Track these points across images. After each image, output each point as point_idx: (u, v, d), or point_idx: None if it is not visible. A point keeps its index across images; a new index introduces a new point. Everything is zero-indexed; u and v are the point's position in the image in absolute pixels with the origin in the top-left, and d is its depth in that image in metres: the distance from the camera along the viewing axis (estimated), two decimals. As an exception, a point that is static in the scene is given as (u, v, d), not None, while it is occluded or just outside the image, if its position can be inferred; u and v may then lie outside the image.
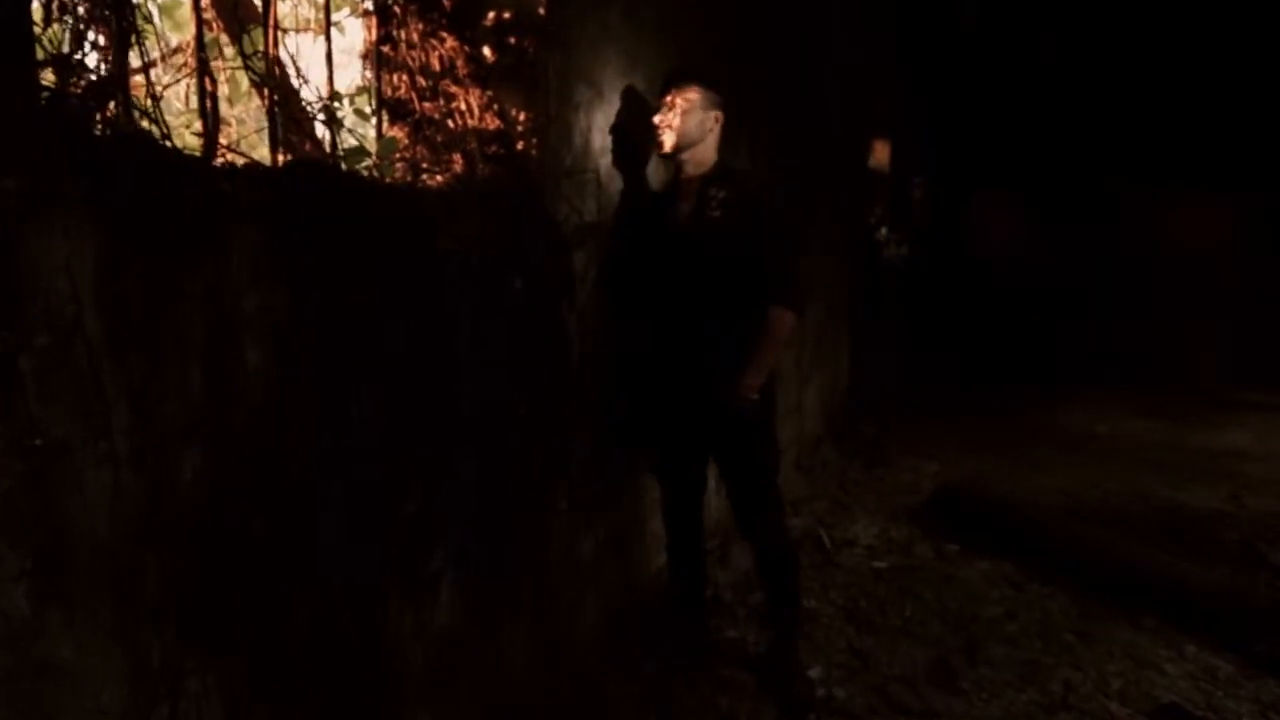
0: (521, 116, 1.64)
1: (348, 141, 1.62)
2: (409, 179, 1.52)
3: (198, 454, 1.01)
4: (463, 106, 1.56)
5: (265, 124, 1.40)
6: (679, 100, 1.73)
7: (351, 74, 1.84)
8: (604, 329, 1.88)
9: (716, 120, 1.77)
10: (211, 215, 1.00)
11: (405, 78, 1.57)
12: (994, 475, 3.66)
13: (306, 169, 1.14)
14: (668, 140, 1.73)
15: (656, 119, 1.76)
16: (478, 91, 1.58)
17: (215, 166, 1.03)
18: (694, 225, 1.72)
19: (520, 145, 1.63)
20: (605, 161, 1.90)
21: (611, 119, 1.92)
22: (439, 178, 1.47)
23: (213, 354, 1.01)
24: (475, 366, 1.39)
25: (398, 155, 1.59)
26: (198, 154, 1.24)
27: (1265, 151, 5.71)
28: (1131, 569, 2.41)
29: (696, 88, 1.74)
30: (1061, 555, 2.58)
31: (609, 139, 1.91)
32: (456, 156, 1.54)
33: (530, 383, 1.58)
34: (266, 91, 1.34)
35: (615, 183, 1.94)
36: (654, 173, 2.15)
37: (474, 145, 1.56)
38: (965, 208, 7.26)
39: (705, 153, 1.77)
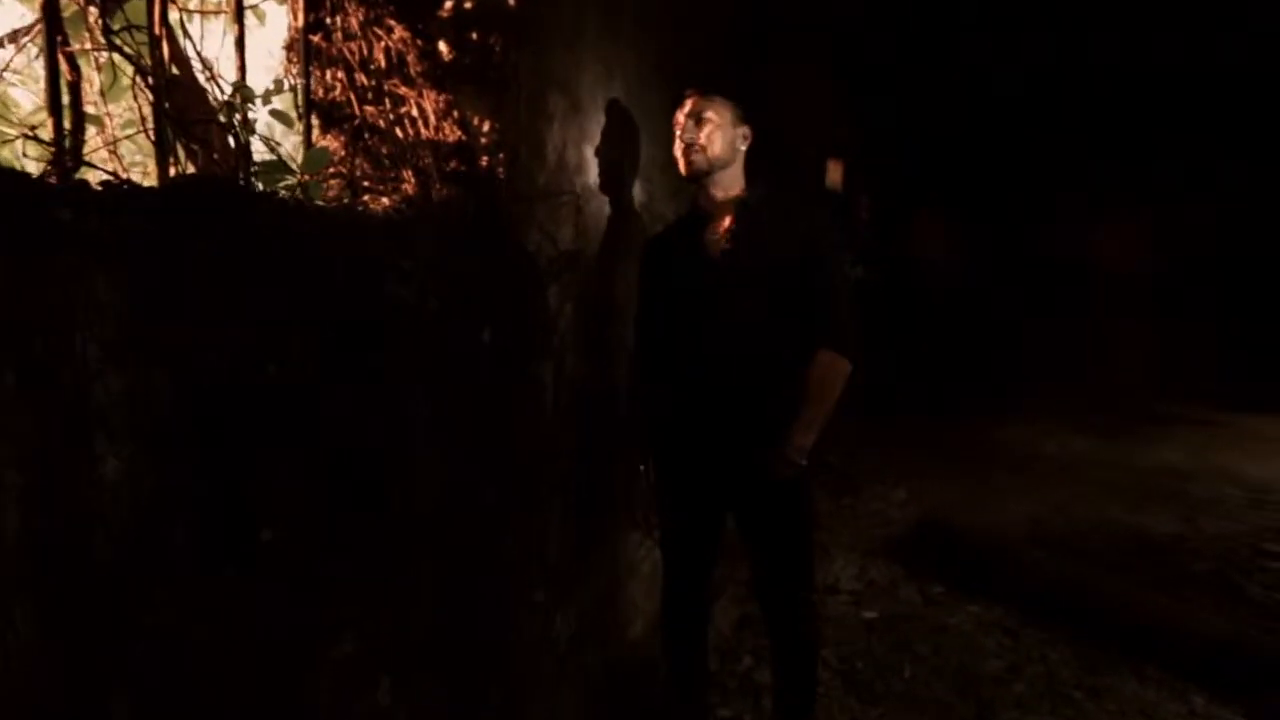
0: (486, 127, 1.32)
1: (280, 153, 1.27)
2: (346, 201, 1.18)
3: (20, 613, 0.65)
4: (414, 112, 1.24)
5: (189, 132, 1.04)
6: (708, 115, 1.45)
7: (276, 69, 1.47)
8: (583, 376, 1.57)
9: (745, 138, 1.49)
10: (40, 258, 0.65)
11: (341, 74, 1.23)
12: (963, 504, 3.52)
13: (197, 189, 0.79)
14: (699, 162, 1.45)
15: (683, 138, 1.47)
16: (434, 94, 1.26)
17: (49, 186, 0.68)
18: (729, 259, 1.43)
19: (485, 161, 1.31)
20: (581, 181, 1.60)
21: (588, 133, 1.62)
22: (385, 200, 1.15)
23: (42, 466, 0.66)
24: (432, 447, 1.06)
25: (330, 170, 1.25)
26: (42, 168, 0.88)
27: (1187, 170, 5.93)
28: (1130, 614, 2.27)
29: (724, 100, 1.47)
30: (1055, 599, 2.43)
31: (586, 156, 1.62)
32: (407, 173, 1.21)
33: (501, 456, 1.26)
34: (150, 85, 0.98)
35: (592, 206, 1.65)
36: (638, 194, 1.87)
37: (429, 160, 1.23)
38: (908, 226, 7.29)
39: (735, 175, 1.49)
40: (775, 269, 1.40)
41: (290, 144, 1.27)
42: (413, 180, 1.20)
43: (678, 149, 1.48)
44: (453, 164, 1.27)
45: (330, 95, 1.27)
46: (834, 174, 4.99)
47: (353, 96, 1.22)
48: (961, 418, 5.50)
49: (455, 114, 1.29)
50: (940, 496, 3.64)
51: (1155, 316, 6.41)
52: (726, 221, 1.45)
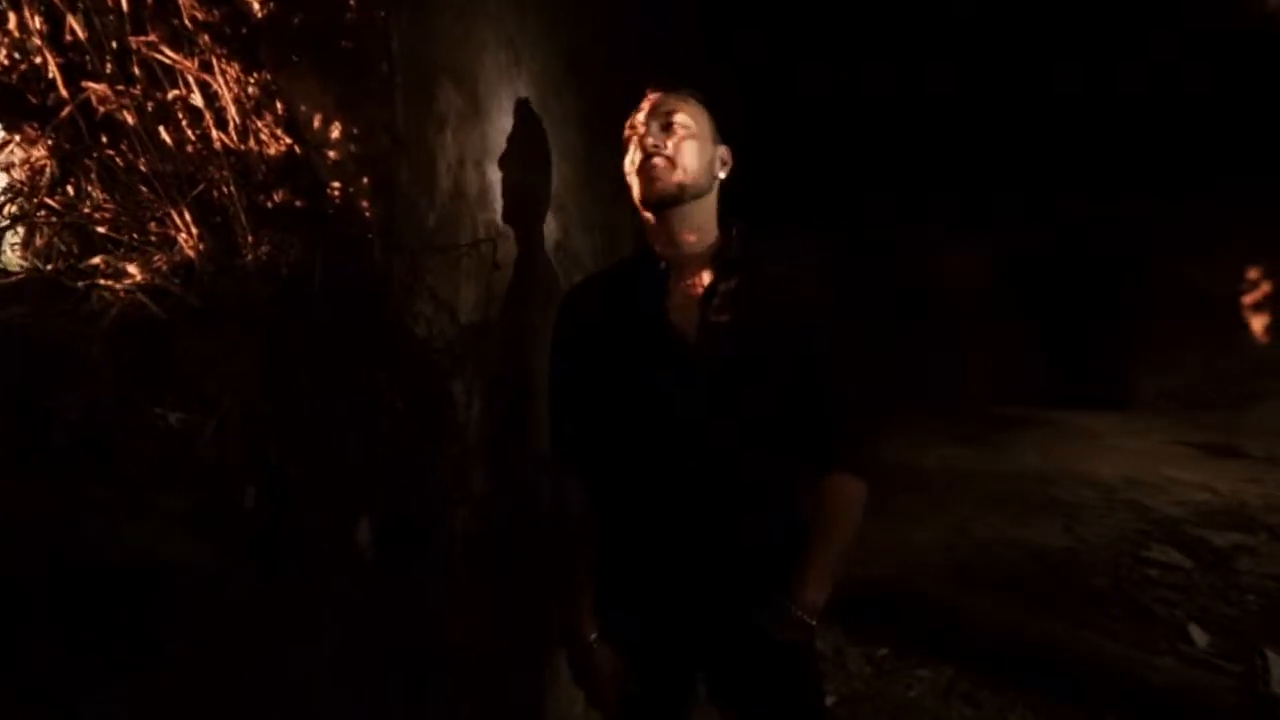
0: (337, 132, 0.78)
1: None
2: (55, 267, 0.59)
3: None
4: (198, 100, 0.67)
5: None
6: (679, 119, 0.98)
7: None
8: (504, 513, 1.05)
9: (724, 162, 1.03)
10: None
11: (40, 22, 0.63)
12: (876, 537, 3.36)
13: None
14: (664, 181, 0.96)
15: (644, 143, 0.97)
16: (235, 71, 0.69)
17: None
18: (712, 338, 0.96)
19: (338, 189, 0.77)
20: (486, 217, 1.09)
21: (492, 145, 1.11)
22: (134, 270, 0.57)
23: None
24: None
25: (32, 203, 0.64)
26: None
27: (1016, 204, 6.47)
28: (1071, 658, 2.14)
29: (701, 105, 1.01)
30: (997, 650, 2.26)
31: (491, 178, 1.11)
32: (182, 215, 0.64)
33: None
34: None
35: (501, 253, 1.14)
36: (552, 230, 1.38)
37: (230, 188, 0.67)
38: (775, 242, 7.34)
39: (709, 212, 1.02)
40: (771, 355, 0.98)
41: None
42: (193, 226, 0.63)
43: (634, 161, 0.99)
44: (278, 194, 0.71)
45: (17, 65, 0.66)
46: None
47: (53, 64, 0.62)
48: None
49: (279, 107, 0.74)
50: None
51: (992, 327, 6.94)
52: (705, 279, 1.00)
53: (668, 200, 0.98)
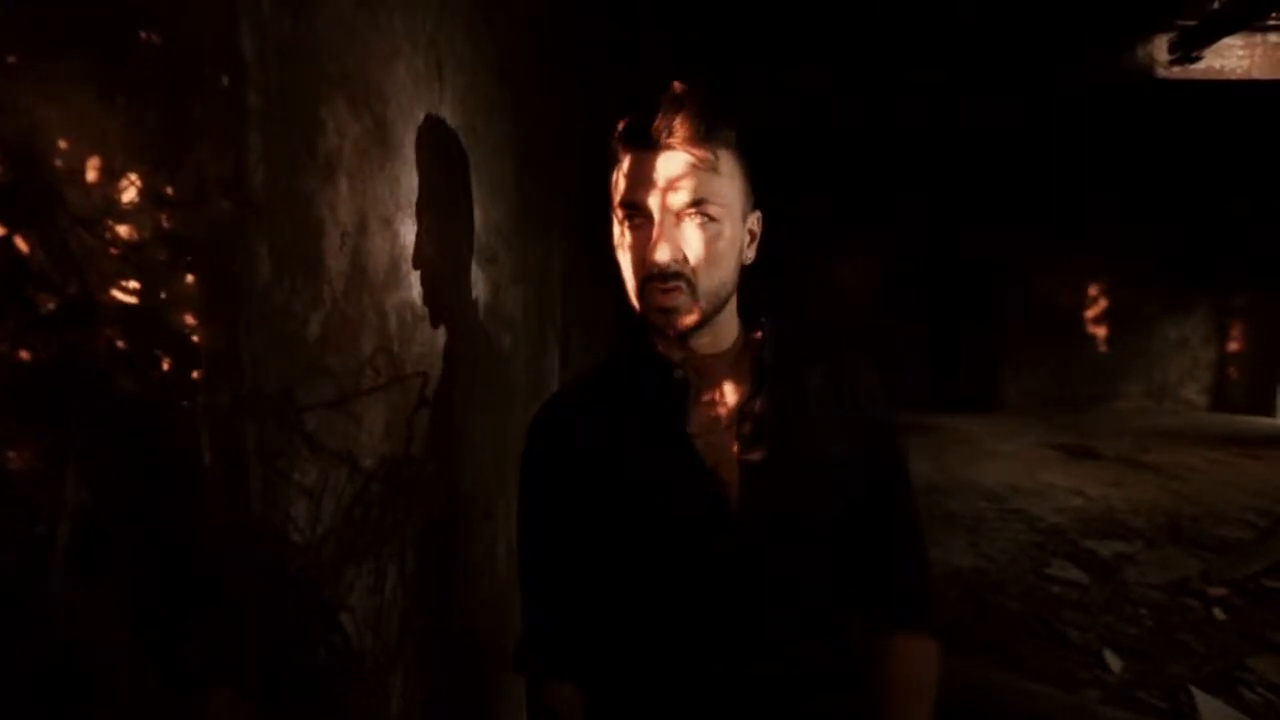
0: (130, 193, 0.41)
1: None
2: None
3: None
4: None
5: None
6: (707, 209, 0.62)
7: None
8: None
9: (754, 237, 0.70)
10: None
11: None
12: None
13: None
14: (684, 312, 0.63)
15: (653, 261, 0.61)
16: None
17: None
18: (751, 481, 0.65)
19: (130, 298, 0.40)
20: (401, 300, 0.73)
21: (405, 193, 0.75)
22: None
23: None
24: None
25: None
26: None
27: (903, 220, 6.70)
28: (1036, 716, 2.07)
29: (735, 159, 0.65)
30: (959, 706, 2.15)
31: (404, 242, 0.74)
32: None
33: None
34: None
35: (424, 349, 0.78)
36: (483, 292, 1.02)
37: None
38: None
39: (730, 308, 0.71)
40: (829, 495, 0.69)
41: None
42: None
43: (632, 269, 0.65)
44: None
45: None
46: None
47: None
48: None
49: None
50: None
51: (877, 334, 7.19)
52: (732, 395, 0.70)
53: (685, 334, 0.67)
